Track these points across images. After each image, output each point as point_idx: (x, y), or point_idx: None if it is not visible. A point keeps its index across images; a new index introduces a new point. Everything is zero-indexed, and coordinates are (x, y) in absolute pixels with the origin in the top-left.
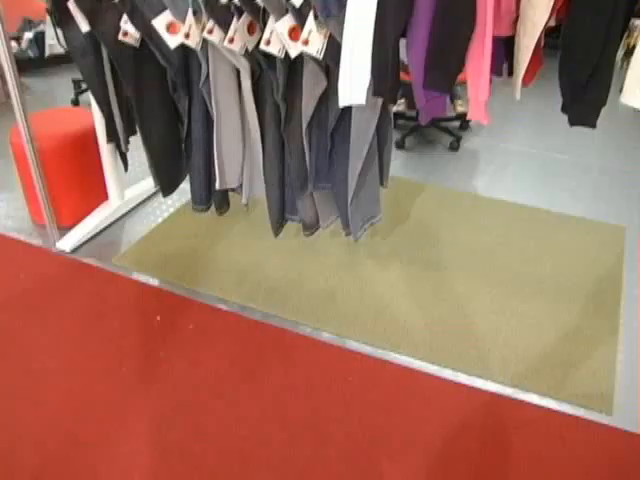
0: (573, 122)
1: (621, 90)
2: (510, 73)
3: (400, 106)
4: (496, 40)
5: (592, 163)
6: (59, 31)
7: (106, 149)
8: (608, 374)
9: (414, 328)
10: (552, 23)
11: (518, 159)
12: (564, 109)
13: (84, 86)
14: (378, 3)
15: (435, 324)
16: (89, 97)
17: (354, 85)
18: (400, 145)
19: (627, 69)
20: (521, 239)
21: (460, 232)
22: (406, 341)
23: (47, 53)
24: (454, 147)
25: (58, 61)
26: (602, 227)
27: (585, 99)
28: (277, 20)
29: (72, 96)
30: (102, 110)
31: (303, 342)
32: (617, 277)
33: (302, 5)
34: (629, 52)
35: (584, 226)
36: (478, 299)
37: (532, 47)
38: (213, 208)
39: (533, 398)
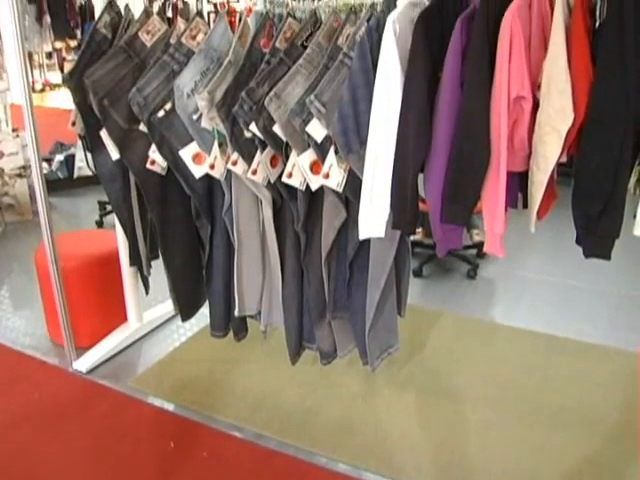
0: (587, 254)
1: (634, 216)
2: (525, 205)
3: (417, 235)
4: (510, 174)
5: (609, 290)
6: (89, 156)
7: (128, 272)
8: None
9: (432, 460)
10: (563, 159)
11: (535, 287)
12: (578, 241)
13: (109, 208)
14: (397, 141)
15: (453, 456)
16: (113, 219)
17: (374, 218)
18: (417, 273)
19: None
20: (539, 368)
21: (478, 361)
22: (424, 474)
23: (75, 175)
24: (471, 275)
25: (85, 182)
26: (621, 354)
27: (598, 232)
28: (299, 154)
29: (97, 217)
30: (126, 233)
31: (318, 473)
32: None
33: (323, 140)
34: None
35: (603, 353)
36: (497, 430)
37: (545, 182)
38: (231, 334)
39: None
